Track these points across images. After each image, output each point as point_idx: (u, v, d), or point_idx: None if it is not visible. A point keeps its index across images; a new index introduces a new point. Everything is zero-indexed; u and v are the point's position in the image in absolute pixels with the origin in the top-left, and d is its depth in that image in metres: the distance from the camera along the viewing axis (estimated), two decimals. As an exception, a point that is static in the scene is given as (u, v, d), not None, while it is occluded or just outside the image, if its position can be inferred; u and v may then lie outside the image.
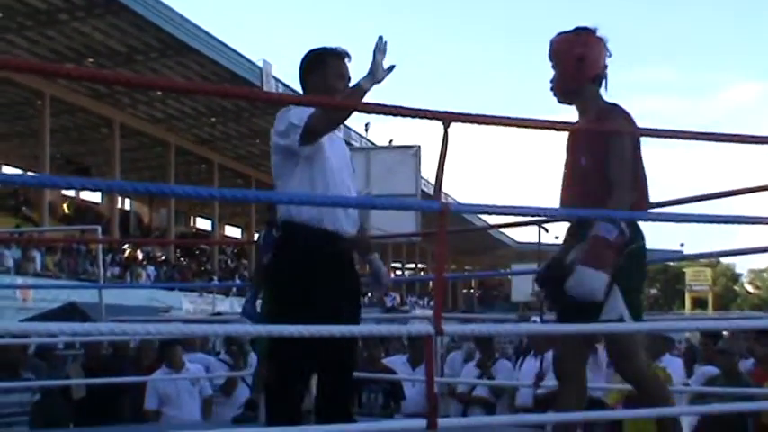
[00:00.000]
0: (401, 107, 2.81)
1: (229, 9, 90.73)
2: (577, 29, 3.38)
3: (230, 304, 23.48)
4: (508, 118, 2.92)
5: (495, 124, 2.92)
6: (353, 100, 3.24)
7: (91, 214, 31.95)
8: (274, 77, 25.77)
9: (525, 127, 2.99)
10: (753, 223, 3.33)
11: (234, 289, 25.64)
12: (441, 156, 2.81)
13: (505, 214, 3.59)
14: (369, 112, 3.60)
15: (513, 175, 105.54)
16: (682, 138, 3.24)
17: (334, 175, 3.43)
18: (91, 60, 23.24)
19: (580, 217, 3.32)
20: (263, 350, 5.24)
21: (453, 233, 11.99)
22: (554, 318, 3.66)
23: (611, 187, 3.22)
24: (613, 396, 6.05)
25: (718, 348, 5.93)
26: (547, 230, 6.26)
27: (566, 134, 3.46)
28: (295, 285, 3.40)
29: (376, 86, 3.26)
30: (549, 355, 6.44)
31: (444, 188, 3.05)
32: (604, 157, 3.25)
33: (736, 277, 64.49)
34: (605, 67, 3.39)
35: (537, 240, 6.29)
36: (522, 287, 19.91)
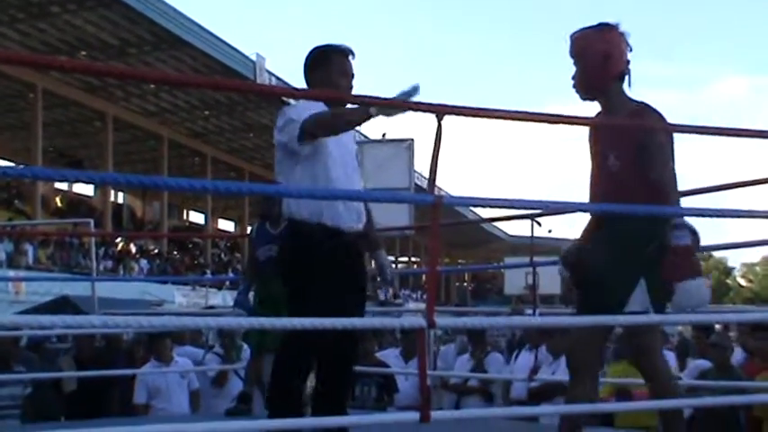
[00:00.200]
0: (395, 100, 2.81)
1: (223, 2, 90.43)
2: (600, 25, 3.36)
3: (223, 298, 23.48)
4: (501, 111, 2.92)
5: (489, 117, 2.92)
6: (353, 114, 3.26)
7: (84, 207, 31.92)
8: (267, 71, 25.71)
9: (518, 120, 2.99)
10: (745, 217, 3.34)
11: (227, 282, 25.65)
12: (434, 149, 2.80)
13: (499, 207, 3.58)
14: (363, 105, 3.59)
15: (507, 169, 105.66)
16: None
17: (337, 170, 3.43)
18: (83, 53, 23.16)
19: (599, 213, 3.34)
20: (256, 343, 5.25)
21: (446, 226, 12.00)
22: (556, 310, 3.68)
23: (659, 188, 3.21)
24: (605, 389, 6.07)
25: (710, 342, 5.94)
26: (540, 224, 6.25)
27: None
28: (297, 281, 3.43)
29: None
30: (544, 348, 6.49)
31: (438, 181, 3.05)
32: (636, 157, 3.24)
33: (728, 271, 64.72)
34: (628, 62, 3.38)
35: (530, 234, 6.27)
36: (516, 280, 19.93)
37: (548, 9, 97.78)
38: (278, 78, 26.04)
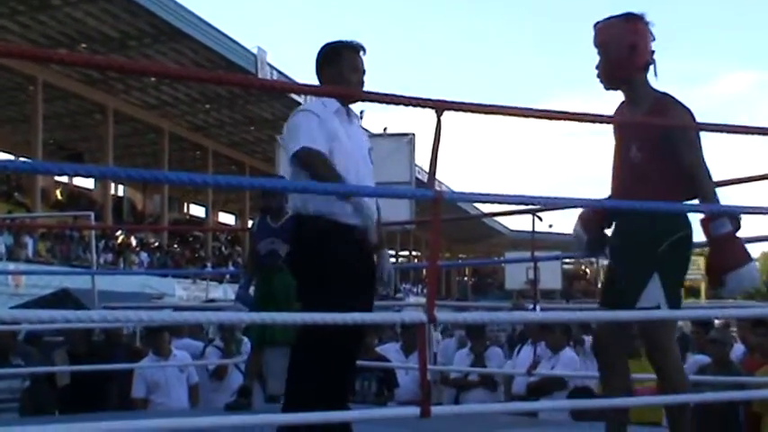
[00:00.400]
0: (395, 95, 2.80)
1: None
2: (626, 14, 3.35)
3: (224, 291, 23.46)
4: (501, 107, 2.92)
5: (489, 113, 2.91)
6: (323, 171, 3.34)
7: (84, 200, 31.90)
8: (269, 64, 25.69)
9: (519, 116, 2.99)
10: (746, 213, 3.34)
11: (227, 276, 25.65)
12: (434, 144, 2.80)
13: (499, 202, 3.59)
14: (363, 100, 3.59)
15: (508, 164, 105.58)
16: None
17: (349, 174, 3.43)
18: (84, 46, 23.13)
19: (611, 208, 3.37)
20: (257, 337, 5.25)
21: (447, 221, 11.99)
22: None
23: (690, 176, 3.22)
24: (605, 384, 6.07)
25: (709, 338, 5.95)
26: (541, 219, 6.26)
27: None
28: (308, 276, 3.45)
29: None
30: (543, 343, 6.49)
31: (438, 176, 3.05)
32: (660, 148, 3.25)
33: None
34: (653, 53, 3.37)
35: (531, 229, 6.28)
36: (516, 275, 19.96)
37: (550, 3, 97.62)
38: (279, 72, 26.02)
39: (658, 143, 3.25)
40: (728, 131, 3.37)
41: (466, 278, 55.21)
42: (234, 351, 6.65)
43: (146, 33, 23.04)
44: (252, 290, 5.25)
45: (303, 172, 3.39)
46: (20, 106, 26.80)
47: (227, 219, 44.71)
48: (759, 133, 3.33)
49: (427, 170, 2.86)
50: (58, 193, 32.42)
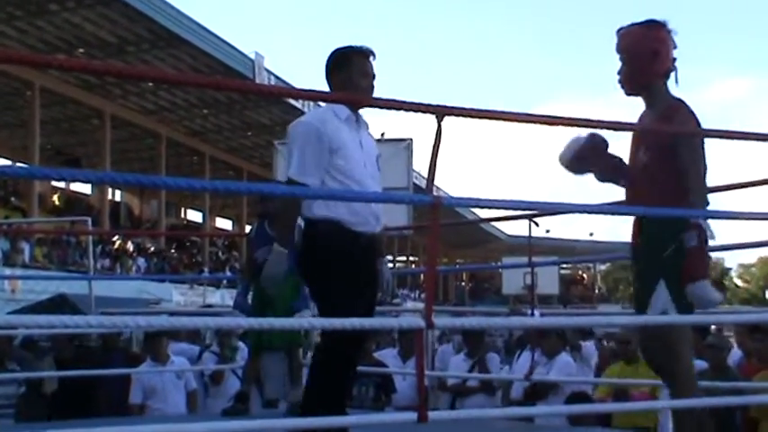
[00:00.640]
0: (396, 101, 2.81)
1: (221, 1, 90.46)
2: (648, 22, 3.38)
3: (221, 296, 23.47)
4: (500, 112, 2.92)
5: (489, 118, 2.92)
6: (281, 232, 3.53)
7: (81, 205, 31.86)
8: (266, 70, 25.71)
9: (517, 121, 2.99)
10: (742, 218, 3.34)
11: (224, 281, 25.63)
12: (433, 149, 2.80)
13: (497, 208, 3.58)
14: (364, 106, 3.60)
15: (505, 169, 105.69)
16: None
17: (352, 182, 3.45)
18: (81, 51, 23.12)
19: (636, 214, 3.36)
20: (254, 343, 5.25)
21: (445, 226, 11.99)
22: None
23: (685, 179, 3.23)
24: (602, 390, 6.07)
25: (707, 343, 5.95)
26: (538, 224, 6.23)
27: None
28: (315, 280, 3.47)
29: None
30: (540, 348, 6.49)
31: (436, 181, 3.05)
32: (666, 151, 3.27)
33: (725, 272, 64.76)
34: (674, 60, 3.41)
35: (528, 234, 6.26)
36: (514, 280, 19.97)
37: (550, 6, 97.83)
38: (277, 77, 26.03)
39: (664, 146, 3.29)
40: (727, 137, 3.37)
41: (463, 283, 55.21)
42: (229, 357, 6.64)
43: (143, 39, 23.05)
44: (250, 297, 5.24)
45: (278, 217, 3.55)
46: (17, 111, 26.77)
47: (224, 224, 44.68)
48: (757, 139, 3.34)
49: (424, 175, 2.86)
50: (55, 198, 32.37)
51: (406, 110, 2.78)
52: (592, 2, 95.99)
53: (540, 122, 3.03)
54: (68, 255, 23.73)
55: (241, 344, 6.72)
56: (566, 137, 3.52)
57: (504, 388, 6.70)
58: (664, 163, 3.29)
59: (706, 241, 3.20)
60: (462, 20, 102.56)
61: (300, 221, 3.62)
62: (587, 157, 3.46)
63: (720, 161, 3.51)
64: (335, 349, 3.37)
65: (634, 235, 3.43)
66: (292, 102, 25.71)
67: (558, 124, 3.09)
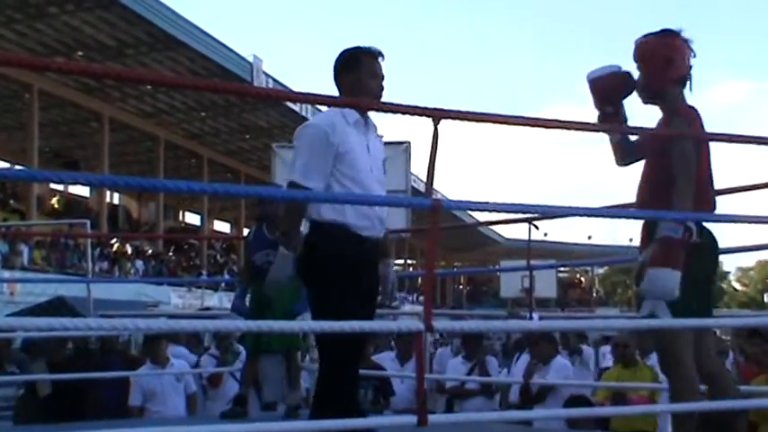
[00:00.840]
0: (393, 104, 2.82)
1: (220, 4, 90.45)
2: (663, 31, 3.44)
3: (219, 299, 23.47)
4: (497, 115, 2.93)
5: (485, 121, 2.93)
6: (288, 230, 3.51)
7: (79, 208, 31.85)
8: (264, 73, 25.70)
9: (514, 124, 3.00)
10: (741, 222, 3.35)
11: (222, 284, 25.62)
12: (431, 152, 2.81)
13: (496, 211, 3.59)
14: (363, 109, 3.60)
15: (503, 172, 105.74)
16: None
17: (357, 185, 3.45)
18: (80, 54, 23.12)
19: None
20: (252, 346, 5.25)
21: (444, 230, 11.98)
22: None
23: (675, 181, 3.27)
24: (601, 393, 6.08)
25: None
26: (537, 227, 6.25)
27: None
28: (317, 283, 3.45)
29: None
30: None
31: (434, 184, 3.06)
32: (664, 155, 3.32)
33: (723, 275, 64.83)
34: (690, 68, 3.46)
35: (526, 237, 6.27)
36: (511, 283, 19.91)
37: (548, 9, 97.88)
38: (275, 80, 26.03)
39: (662, 151, 3.34)
40: (727, 141, 3.39)
41: (461, 286, 55.20)
42: (230, 362, 6.64)
43: (142, 42, 23.05)
44: (248, 300, 5.24)
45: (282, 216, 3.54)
46: (16, 114, 26.76)
47: (222, 227, 44.65)
48: (757, 143, 3.35)
49: (423, 178, 2.87)
50: (54, 201, 32.36)
51: (403, 113, 2.79)
52: (592, 4, 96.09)
53: (537, 125, 3.04)
54: (67, 257, 23.72)
55: (239, 347, 6.72)
56: (566, 137, 3.55)
57: (503, 391, 6.70)
58: (661, 168, 3.33)
59: (687, 241, 3.22)
60: (461, 22, 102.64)
61: (305, 223, 3.62)
62: (617, 88, 3.51)
63: (719, 164, 3.51)
64: (337, 356, 3.37)
65: (643, 239, 3.46)
66: (290, 105, 25.71)
67: (554, 127, 3.10)
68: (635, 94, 3.52)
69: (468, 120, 2.87)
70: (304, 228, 3.65)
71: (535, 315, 6.89)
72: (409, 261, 47.04)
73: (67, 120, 28.38)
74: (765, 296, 57.80)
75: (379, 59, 3.61)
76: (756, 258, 61.79)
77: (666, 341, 3.27)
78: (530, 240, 6.54)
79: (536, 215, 5.39)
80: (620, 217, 3.67)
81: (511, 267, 18.05)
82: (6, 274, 18.72)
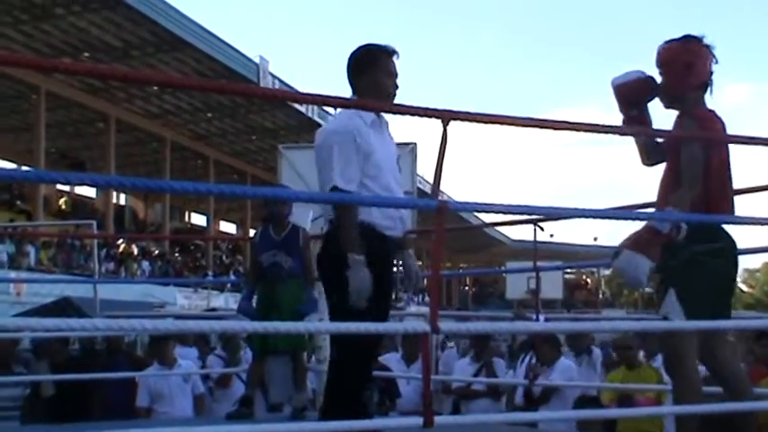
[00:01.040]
0: (402, 105, 2.82)
1: (226, 5, 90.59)
2: (685, 37, 3.49)
3: (225, 300, 23.48)
4: (506, 117, 2.92)
5: (495, 123, 2.92)
6: (350, 241, 3.33)
7: (86, 209, 31.92)
8: (271, 74, 25.73)
9: (522, 126, 2.99)
10: (747, 224, 3.35)
11: (228, 285, 25.64)
12: (439, 154, 2.81)
13: (502, 212, 3.58)
14: (371, 110, 3.59)
15: (510, 174, 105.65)
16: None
17: (380, 186, 3.46)
18: (87, 55, 23.18)
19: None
20: (258, 346, 5.24)
21: (450, 231, 11.98)
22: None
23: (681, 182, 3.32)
24: (608, 395, 6.06)
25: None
26: (542, 229, 6.25)
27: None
28: (338, 282, 3.41)
29: None
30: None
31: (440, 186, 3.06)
32: (676, 155, 3.37)
33: (730, 276, 64.60)
34: (711, 74, 3.50)
35: (532, 238, 6.27)
36: (517, 285, 19.89)
37: (554, 14, 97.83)
38: (281, 81, 26.06)
39: (675, 152, 3.38)
40: (731, 142, 3.40)
41: (467, 287, 55.16)
42: (236, 361, 6.65)
43: (148, 43, 23.10)
44: (254, 301, 5.24)
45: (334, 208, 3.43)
46: (22, 115, 26.84)
47: (228, 228, 44.72)
48: (763, 144, 3.34)
49: (429, 180, 2.87)
50: (61, 202, 32.44)
51: (412, 114, 2.79)
52: (603, 7, 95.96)
53: (546, 127, 3.03)
54: (73, 258, 23.78)
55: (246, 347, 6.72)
56: (572, 138, 3.58)
57: (509, 393, 6.70)
58: (674, 169, 3.38)
59: (673, 237, 3.24)
60: (469, 24, 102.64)
61: (326, 220, 3.60)
62: (640, 92, 3.55)
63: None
64: (349, 358, 3.36)
65: None
66: (297, 106, 25.74)
67: (563, 129, 3.10)
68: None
69: (478, 121, 2.87)
70: (325, 227, 3.63)
71: (541, 317, 6.87)
72: (415, 262, 46.97)
73: (74, 121, 28.45)
74: (772, 298, 57.64)
75: (394, 58, 3.58)
76: (763, 260, 61.61)
77: (672, 342, 3.27)
78: (536, 242, 6.54)
79: (542, 216, 5.38)
80: (625, 218, 3.67)
81: (517, 269, 18.03)
82: (13, 274, 18.78)
